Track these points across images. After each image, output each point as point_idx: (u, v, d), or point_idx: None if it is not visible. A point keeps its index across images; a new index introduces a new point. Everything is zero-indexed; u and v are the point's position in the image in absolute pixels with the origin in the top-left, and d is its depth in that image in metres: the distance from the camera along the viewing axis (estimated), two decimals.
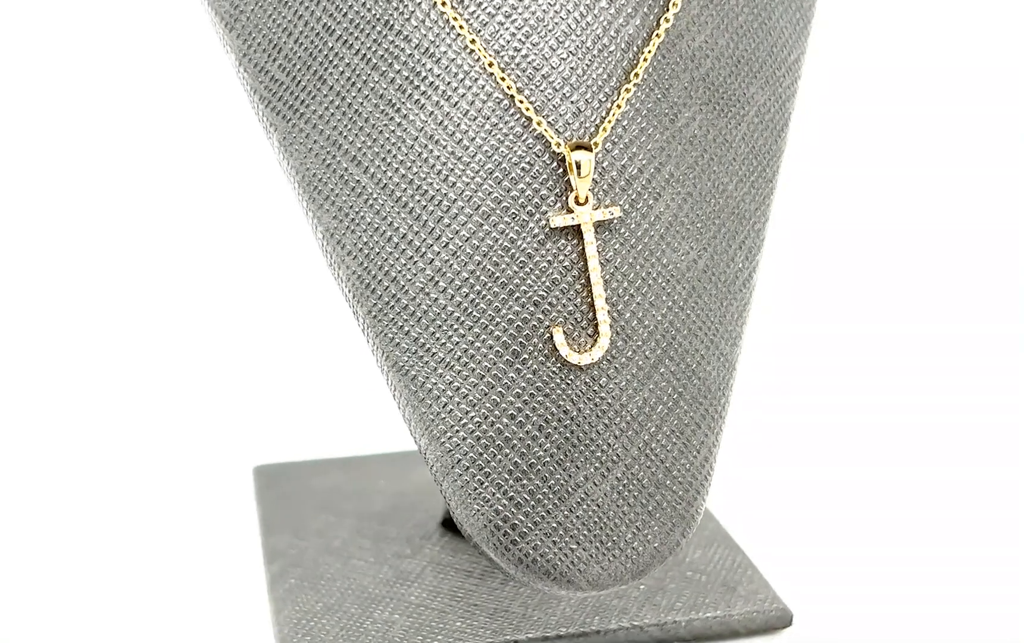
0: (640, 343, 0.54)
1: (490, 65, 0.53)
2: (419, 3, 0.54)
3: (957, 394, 0.85)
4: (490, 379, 0.53)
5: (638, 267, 0.54)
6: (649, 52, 0.54)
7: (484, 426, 0.53)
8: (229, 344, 0.93)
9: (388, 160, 0.54)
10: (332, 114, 0.54)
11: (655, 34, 0.54)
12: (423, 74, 0.54)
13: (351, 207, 0.54)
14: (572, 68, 0.54)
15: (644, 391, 0.54)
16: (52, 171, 1.00)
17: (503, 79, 0.53)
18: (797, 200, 0.72)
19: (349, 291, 0.55)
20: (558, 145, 0.53)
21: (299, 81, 0.55)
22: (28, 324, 0.93)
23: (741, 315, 0.57)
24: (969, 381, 0.87)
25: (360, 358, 0.90)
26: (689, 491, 0.55)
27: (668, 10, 0.55)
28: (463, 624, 0.61)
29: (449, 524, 0.68)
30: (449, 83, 0.53)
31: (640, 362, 0.54)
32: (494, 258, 0.53)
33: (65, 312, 0.94)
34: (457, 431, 0.53)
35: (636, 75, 0.54)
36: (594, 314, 0.53)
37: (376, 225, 0.54)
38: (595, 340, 0.53)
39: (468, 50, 0.53)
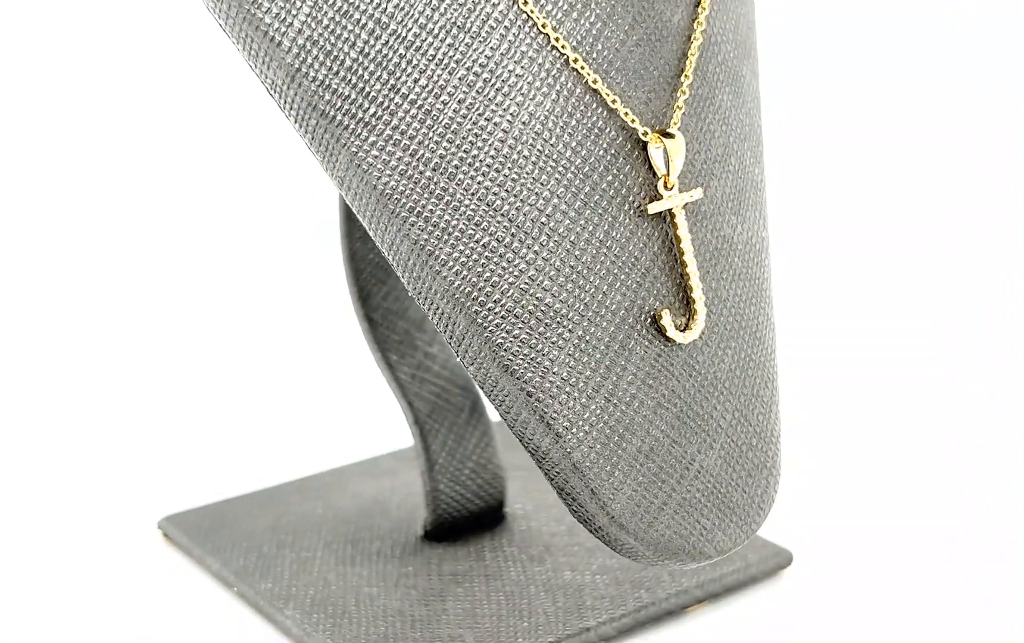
0: (719, 316, 0.56)
1: (575, 61, 0.54)
2: (496, 3, 0.53)
3: (930, 346, 0.90)
4: (603, 370, 0.54)
5: (708, 244, 0.56)
6: (696, 40, 0.57)
7: (604, 416, 0.54)
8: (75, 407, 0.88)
9: (477, 165, 0.53)
10: (410, 124, 0.53)
11: (696, 22, 0.57)
12: (504, 75, 0.53)
13: (440, 217, 0.53)
14: (639, 58, 0.55)
15: (727, 360, 0.56)
16: None
17: (586, 72, 0.54)
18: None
19: (446, 303, 0.53)
20: (644, 134, 0.54)
21: (368, 93, 0.53)
22: None
23: (770, 278, 0.61)
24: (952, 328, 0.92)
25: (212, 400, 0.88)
26: (771, 447, 0.58)
27: (703, 0, 0.57)
28: (545, 618, 0.61)
29: (431, 535, 0.67)
30: (532, 82, 0.53)
31: (721, 333, 0.56)
32: (592, 251, 0.54)
33: None
34: (580, 424, 0.53)
35: (690, 62, 0.56)
36: (685, 294, 0.55)
37: (471, 232, 0.53)
38: (691, 318, 0.55)
39: (550, 47, 0.53)
